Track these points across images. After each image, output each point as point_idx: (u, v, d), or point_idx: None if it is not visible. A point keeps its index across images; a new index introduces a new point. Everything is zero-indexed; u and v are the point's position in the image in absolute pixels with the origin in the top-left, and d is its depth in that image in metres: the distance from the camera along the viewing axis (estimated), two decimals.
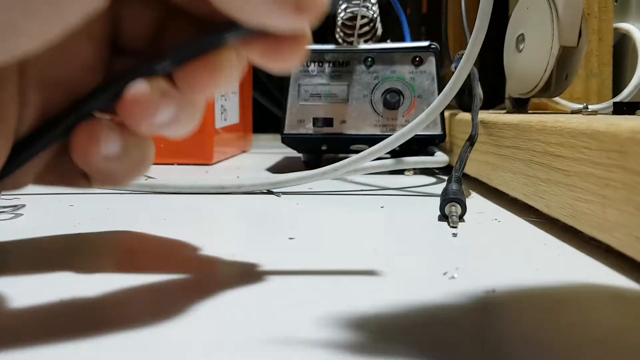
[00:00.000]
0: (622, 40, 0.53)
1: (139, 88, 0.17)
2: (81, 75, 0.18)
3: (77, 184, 0.21)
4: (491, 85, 0.48)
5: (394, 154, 0.45)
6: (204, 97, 0.19)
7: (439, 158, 0.44)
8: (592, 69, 0.50)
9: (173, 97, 0.18)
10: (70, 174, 0.20)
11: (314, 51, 0.48)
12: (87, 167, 0.18)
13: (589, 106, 0.41)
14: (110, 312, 0.17)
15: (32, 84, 0.17)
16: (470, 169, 0.41)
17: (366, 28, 0.49)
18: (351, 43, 0.50)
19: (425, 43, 0.48)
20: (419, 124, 0.38)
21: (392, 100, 0.47)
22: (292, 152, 0.57)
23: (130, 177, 0.19)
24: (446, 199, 0.30)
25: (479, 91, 0.41)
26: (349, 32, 0.49)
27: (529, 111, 0.44)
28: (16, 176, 0.18)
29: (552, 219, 0.27)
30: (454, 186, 0.31)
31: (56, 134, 0.18)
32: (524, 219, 0.30)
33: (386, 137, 0.39)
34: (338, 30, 0.50)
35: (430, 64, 0.48)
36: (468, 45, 0.34)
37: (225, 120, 0.60)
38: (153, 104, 0.17)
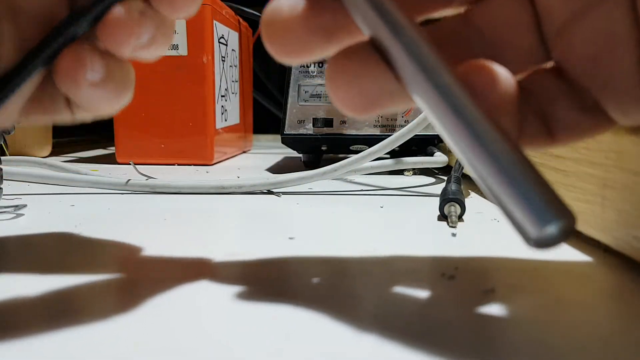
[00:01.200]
0: None
1: (119, 10, 0.18)
2: (53, 3, 0.18)
3: (61, 115, 0.20)
4: None
5: (394, 154, 0.45)
6: (179, 16, 0.19)
7: (438, 158, 0.44)
8: None
9: (151, 17, 0.18)
10: (54, 105, 0.20)
11: None
12: (72, 93, 0.18)
13: None
14: (110, 312, 0.18)
15: (4, 16, 0.18)
16: None
17: None
18: None
19: None
20: (419, 124, 0.38)
21: None
22: (292, 153, 0.57)
23: (113, 103, 0.20)
24: (445, 199, 0.30)
25: None
26: None
27: None
28: (2, 112, 0.18)
29: None
30: (453, 186, 0.31)
31: (40, 61, 0.18)
32: None
33: (386, 138, 0.39)
34: None
35: None
36: None
37: (225, 120, 0.61)
38: (134, 24, 0.18)
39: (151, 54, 0.19)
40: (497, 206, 0.12)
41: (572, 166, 0.24)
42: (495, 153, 0.11)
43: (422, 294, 0.19)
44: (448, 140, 0.13)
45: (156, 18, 0.18)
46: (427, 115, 0.13)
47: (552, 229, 0.11)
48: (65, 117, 0.21)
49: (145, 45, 0.18)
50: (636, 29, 0.15)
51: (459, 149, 0.12)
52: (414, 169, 0.48)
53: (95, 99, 0.19)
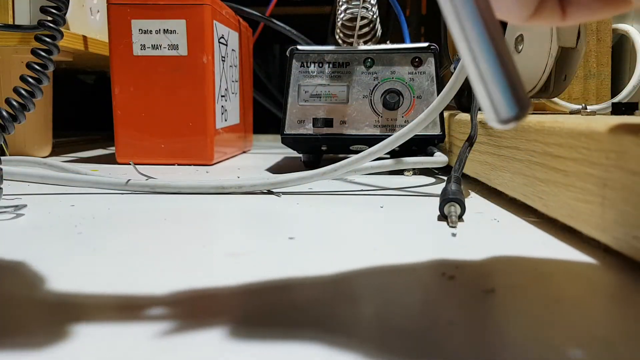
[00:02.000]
0: (620, 41, 0.53)
1: None
2: None
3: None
4: None
5: (394, 154, 0.45)
6: None
7: (438, 158, 0.44)
8: (590, 69, 0.50)
9: None
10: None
11: (314, 52, 0.49)
12: None
13: (588, 107, 0.41)
14: (110, 312, 0.18)
15: None
16: (469, 169, 0.41)
17: (366, 29, 0.49)
18: (351, 44, 0.50)
19: (425, 44, 0.48)
20: (419, 124, 0.38)
21: (392, 101, 0.47)
22: (292, 153, 0.57)
23: None
24: (445, 199, 0.30)
25: None
26: (348, 33, 0.49)
27: None
28: None
29: (551, 218, 0.27)
30: (453, 186, 0.31)
31: None
32: (523, 219, 0.30)
33: (386, 138, 0.39)
34: (338, 31, 0.50)
35: (430, 65, 0.48)
36: None
37: (225, 120, 0.61)
38: None
39: None
40: (478, 88, 0.15)
41: (572, 166, 0.24)
42: (493, 49, 0.15)
43: (422, 294, 0.19)
44: (456, 35, 0.16)
45: None
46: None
47: (515, 114, 0.15)
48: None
49: None
50: None
51: (465, 45, 0.15)
52: (414, 169, 0.48)
53: None
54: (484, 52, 0.15)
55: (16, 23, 0.57)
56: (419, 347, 0.15)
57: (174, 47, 0.55)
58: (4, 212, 0.32)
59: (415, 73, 0.48)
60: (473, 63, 0.15)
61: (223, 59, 0.59)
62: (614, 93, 0.49)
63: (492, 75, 0.15)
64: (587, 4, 0.18)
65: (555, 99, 0.47)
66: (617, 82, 0.52)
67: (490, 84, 0.15)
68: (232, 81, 0.64)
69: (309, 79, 0.48)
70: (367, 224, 0.31)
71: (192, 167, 0.55)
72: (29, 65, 0.31)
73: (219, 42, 0.58)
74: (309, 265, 0.22)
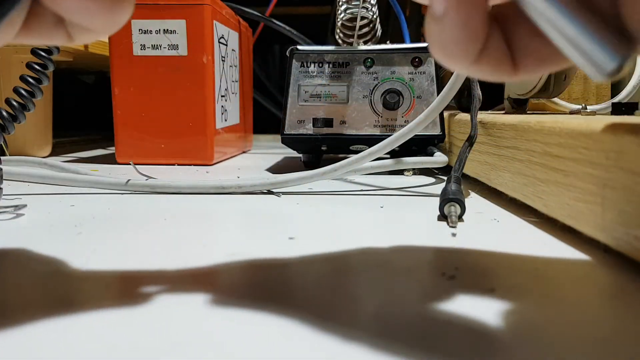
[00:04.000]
0: None
1: None
2: None
3: (56, 37, 0.19)
4: (490, 85, 0.48)
5: (394, 154, 0.45)
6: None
7: (438, 158, 0.44)
8: None
9: None
10: (45, 24, 0.18)
11: (314, 52, 0.49)
12: (52, 2, 0.17)
13: (588, 107, 0.41)
14: (110, 312, 0.18)
15: None
16: (469, 169, 0.41)
17: (366, 29, 0.49)
18: (351, 44, 0.50)
19: (425, 44, 0.48)
20: (419, 124, 0.38)
21: (392, 101, 0.47)
22: (292, 153, 0.57)
23: (106, 14, 0.18)
24: (445, 199, 0.30)
25: (477, 92, 0.42)
26: (348, 33, 0.49)
27: (528, 112, 0.44)
28: None
29: (551, 219, 0.27)
30: (453, 186, 0.31)
31: None
32: (523, 219, 0.30)
33: (386, 138, 0.39)
34: (338, 31, 0.50)
35: (430, 65, 0.48)
36: None
37: (225, 120, 0.61)
38: None
39: None
40: (574, 56, 0.16)
41: (572, 166, 0.24)
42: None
43: (422, 294, 0.19)
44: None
45: None
46: None
47: (618, 63, 0.15)
48: (59, 38, 0.19)
49: None
50: None
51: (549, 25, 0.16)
52: (414, 169, 0.48)
53: (85, 10, 0.17)
54: (568, 23, 0.15)
55: None
56: (419, 347, 0.15)
57: (174, 47, 0.55)
58: (4, 212, 0.32)
59: (415, 73, 0.48)
60: (562, 37, 0.16)
61: (223, 59, 0.59)
62: (614, 93, 0.49)
63: (583, 41, 0.15)
64: (536, 50, 0.17)
65: (555, 99, 0.47)
66: (617, 82, 0.52)
67: (586, 48, 0.15)
68: (232, 81, 0.64)
69: (309, 79, 0.48)
70: (367, 224, 0.31)
71: (192, 167, 0.55)
72: (29, 65, 0.31)
73: (219, 42, 0.58)
74: (308, 266, 0.22)
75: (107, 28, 0.18)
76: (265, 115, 0.84)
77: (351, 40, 0.49)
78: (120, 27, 0.18)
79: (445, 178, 0.44)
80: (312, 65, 0.49)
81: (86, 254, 0.24)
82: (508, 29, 0.17)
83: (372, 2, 0.49)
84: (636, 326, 0.17)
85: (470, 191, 0.39)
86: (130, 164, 0.52)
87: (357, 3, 0.48)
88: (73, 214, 0.32)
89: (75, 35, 0.19)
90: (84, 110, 1.10)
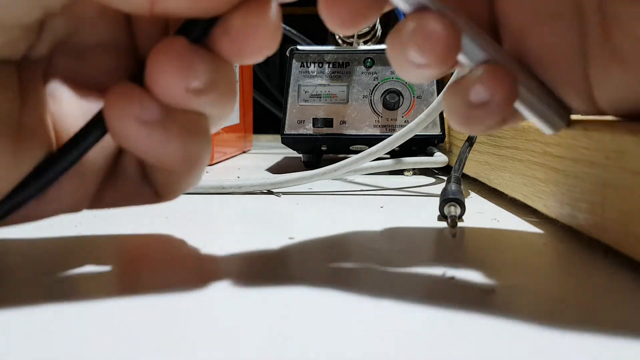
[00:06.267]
0: None
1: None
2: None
3: (143, 197, 0.19)
4: None
5: (394, 154, 0.45)
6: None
7: (438, 158, 0.44)
8: None
9: (206, 60, 0.17)
10: (132, 185, 0.18)
11: (313, 52, 0.49)
12: (126, 138, 0.17)
13: None
14: (110, 311, 0.18)
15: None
16: (469, 169, 0.41)
17: (366, 29, 0.49)
18: (351, 44, 0.50)
19: None
20: (419, 124, 0.38)
21: (392, 101, 0.47)
22: (292, 153, 0.57)
23: (192, 163, 0.18)
24: (445, 199, 0.30)
25: None
26: None
27: None
28: (56, 196, 0.17)
29: (551, 219, 0.27)
30: (453, 186, 0.31)
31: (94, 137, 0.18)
32: (523, 219, 0.30)
33: (386, 138, 0.39)
34: None
35: None
36: None
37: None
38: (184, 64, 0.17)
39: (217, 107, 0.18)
40: (531, 117, 0.21)
41: (572, 166, 0.24)
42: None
43: (422, 294, 0.19)
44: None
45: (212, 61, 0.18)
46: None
47: (565, 124, 0.22)
48: (147, 198, 0.19)
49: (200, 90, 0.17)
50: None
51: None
52: (414, 169, 0.48)
53: (159, 146, 0.17)
54: (525, 94, 0.20)
55: None
56: (419, 347, 0.15)
57: None
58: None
59: None
60: (522, 103, 0.20)
61: None
62: None
63: (538, 109, 0.21)
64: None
65: None
66: None
67: (539, 113, 0.21)
68: None
69: (309, 79, 0.48)
70: (367, 224, 0.31)
71: None
72: None
73: None
74: (308, 266, 0.22)
75: (187, 169, 0.19)
76: (265, 115, 0.84)
77: (351, 40, 0.49)
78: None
79: (445, 178, 0.44)
80: (312, 65, 0.49)
81: (85, 252, 0.24)
82: None
83: None
84: (636, 326, 0.17)
85: (470, 191, 0.39)
86: None
87: None
88: (73, 214, 0.32)
89: (159, 189, 0.19)
90: None
